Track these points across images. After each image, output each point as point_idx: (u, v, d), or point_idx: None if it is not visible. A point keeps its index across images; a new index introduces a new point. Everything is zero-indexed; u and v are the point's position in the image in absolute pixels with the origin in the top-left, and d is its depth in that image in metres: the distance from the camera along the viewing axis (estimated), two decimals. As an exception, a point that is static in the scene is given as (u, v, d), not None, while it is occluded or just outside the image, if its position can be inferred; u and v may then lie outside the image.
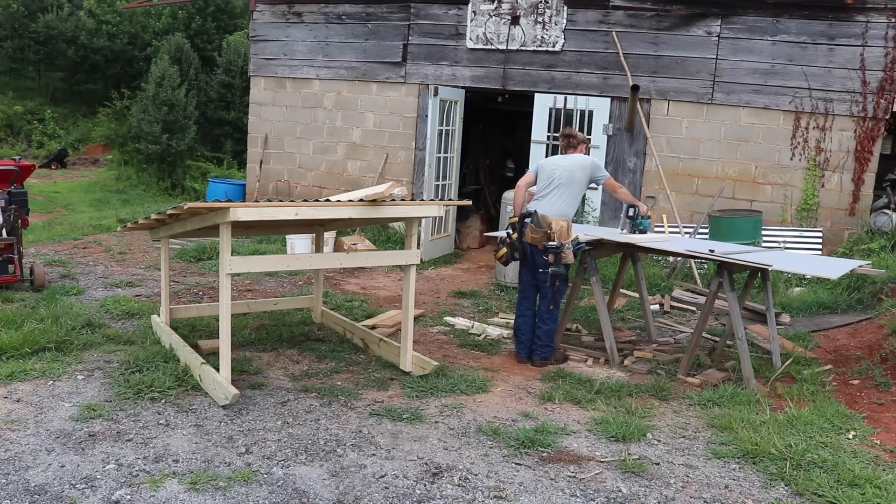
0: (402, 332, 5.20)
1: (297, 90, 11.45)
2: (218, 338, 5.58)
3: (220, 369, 4.51)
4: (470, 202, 6.15)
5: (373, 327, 6.25)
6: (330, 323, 6.31)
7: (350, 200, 4.86)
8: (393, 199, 4.83)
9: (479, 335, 6.33)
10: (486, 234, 10.51)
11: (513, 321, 6.77)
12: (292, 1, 11.27)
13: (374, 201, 4.72)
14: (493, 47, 10.01)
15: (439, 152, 9.70)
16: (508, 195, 8.34)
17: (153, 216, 5.13)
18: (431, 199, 5.33)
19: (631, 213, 6.03)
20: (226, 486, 3.47)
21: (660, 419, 4.63)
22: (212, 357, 4.98)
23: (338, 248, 9.45)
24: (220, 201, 4.30)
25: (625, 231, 6.10)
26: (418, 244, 5.88)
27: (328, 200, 4.91)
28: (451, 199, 5.48)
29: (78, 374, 4.79)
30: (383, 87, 10.76)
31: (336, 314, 6.31)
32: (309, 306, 6.59)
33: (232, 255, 4.42)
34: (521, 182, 5.81)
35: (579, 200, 5.79)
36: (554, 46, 9.69)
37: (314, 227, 6.27)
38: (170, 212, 4.76)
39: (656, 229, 8.41)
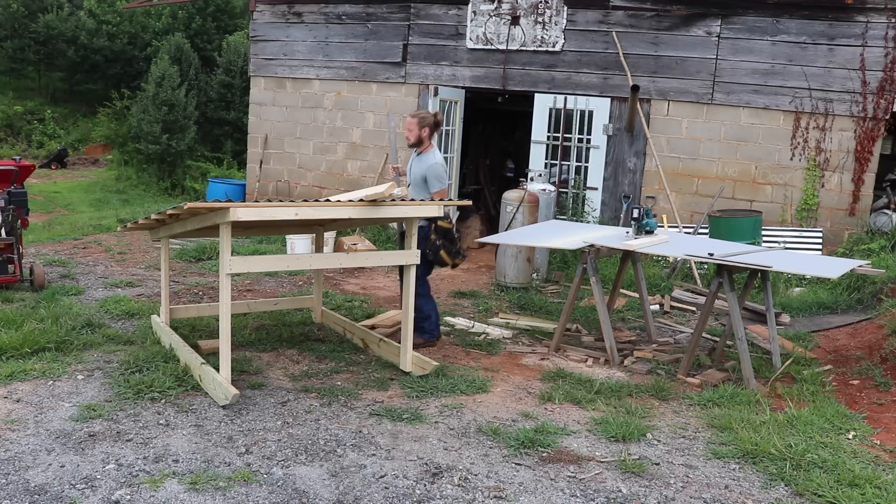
0: (402, 333, 5.20)
1: (297, 90, 11.45)
2: (218, 338, 5.59)
3: (220, 369, 4.51)
4: (470, 202, 6.16)
5: (372, 327, 6.25)
6: (330, 323, 6.31)
7: (350, 200, 4.86)
8: (393, 200, 4.83)
9: (479, 335, 6.33)
10: (476, 240, 10.33)
11: (512, 321, 6.77)
12: (292, 1, 11.27)
13: (374, 201, 4.72)
14: (493, 47, 10.01)
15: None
16: (508, 195, 8.34)
17: (153, 216, 5.13)
18: (433, 200, 5.38)
19: (636, 214, 6.04)
20: (226, 486, 3.47)
21: (660, 419, 4.63)
22: (212, 357, 4.98)
23: (338, 248, 9.45)
24: (220, 201, 4.30)
25: (630, 232, 6.10)
26: (418, 244, 5.93)
27: (328, 200, 4.92)
28: (450, 199, 5.50)
29: (78, 374, 4.79)
30: (383, 87, 10.76)
31: (336, 314, 6.31)
32: (309, 306, 6.59)
33: (232, 255, 4.42)
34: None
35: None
36: (554, 46, 9.69)
37: (314, 227, 6.27)
38: (170, 212, 4.75)
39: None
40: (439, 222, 5.62)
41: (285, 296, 7.22)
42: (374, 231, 10.27)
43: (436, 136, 6.04)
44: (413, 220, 5.15)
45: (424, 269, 5.70)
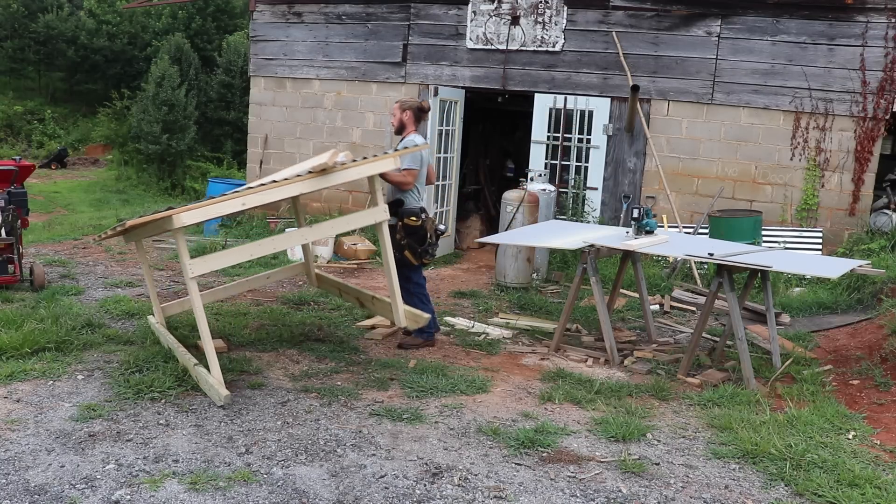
0: (390, 289, 5.14)
1: (297, 90, 11.45)
2: (217, 338, 5.61)
3: (210, 370, 4.51)
4: (427, 145, 5.87)
5: (372, 327, 6.27)
6: (326, 286, 6.29)
7: (298, 175, 4.73)
8: (343, 164, 4.73)
9: (479, 335, 6.33)
10: (476, 240, 10.29)
11: (512, 321, 6.77)
12: (292, 1, 11.27)
13: (323, 171, 4.62)
14: (493, 47, 10.01)
15: (439, 152, 9.70)
16: (508, 195, 8.34)
17: (109, 231, 5.22)
18: (385, 154, 5.10)
19: (636, 214, 6.03)
20: (226, 486, 3.47)
21: (660, 419, 4.63)
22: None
23: (338, 247, 9.46)
24: (161, 211, 4.34)
25: (630, 232, 6.11)
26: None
27: (274, 182, 4.74)
28: (396, 152, 5.13)
29: (78, 374, 4.79)
30: (383, 87, 10.75)
31: (331, 276, 6.30)
32: (302, 272, 6.50)
33: (191, 257, 4.42)
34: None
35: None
36: (554, 46, 9.68)
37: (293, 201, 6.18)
38: (119, 229, 4.80)
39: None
40: (405, 220, 5.54)
41: (285, 294, 7.23)
42: (374, 231, 10.25)
43: (422, 124, 5.93)
44: (373, 178, 5.03)
45: (406, 269, 5.64)
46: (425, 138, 9.42)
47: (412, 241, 5.56)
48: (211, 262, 4.77)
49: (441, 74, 10.32)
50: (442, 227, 5.94)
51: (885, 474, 3.88)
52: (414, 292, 5.72)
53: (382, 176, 5.31)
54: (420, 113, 5.80)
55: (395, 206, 5.60)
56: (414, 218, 5.57)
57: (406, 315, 5.18)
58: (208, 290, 6.24)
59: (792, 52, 8.73)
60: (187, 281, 4.40)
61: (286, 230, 8.96)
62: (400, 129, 5.80)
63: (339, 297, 6.17)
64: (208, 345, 4.48)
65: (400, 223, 5.51)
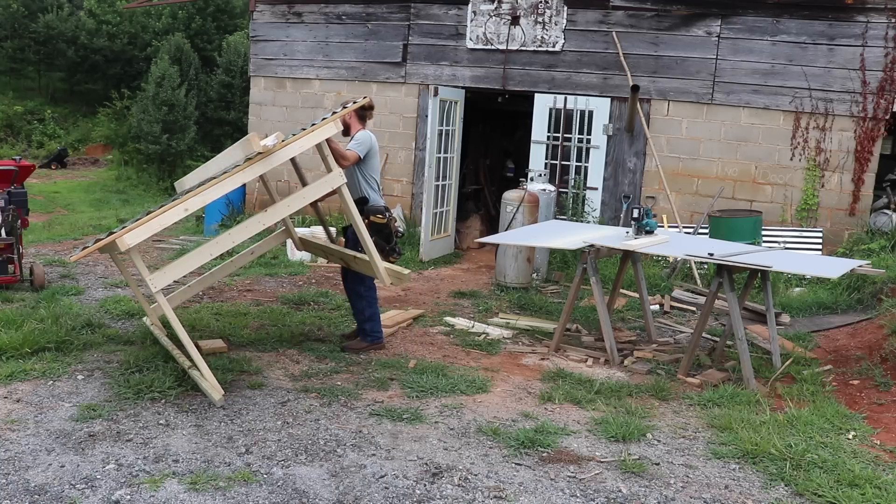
0: (365, 249, 5.13)
1: (297, 90, 11.45)
2: (216, 338, 5.62)
3: (203, 373, 4.51)
4: (369, 100, 5.87)
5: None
6: (311, 249, 6.32)
7: (236, 165, 4.67)
8: (277, 144, 4.69)
9: (479, 335, 6.33)
10: (476, 240, 10.24)
11: (512, 321, 6.77)
12: (292, 1, 11.27)
13: (259, 154, 4.57)
14: (493, 47, 10.01)
15: (439, 152, 9.70)
16: (508, 195, 8.34)
17: (76, 257, 5.24)
18: (325, 118, 4.97)
19: (636, 214, 6.03)
20: (226, 486, 3.47)
21: (660, 419, 4.63)
22: (211, 357, 4.98)
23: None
24: (103, 238, 4.35)
25: (630, 232, 6.11)
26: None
27: (213, 178, 4.67)
28: (334, 115, 5.14)
29: (78, 374, 4.79)
30: (383, 87, 10.75)
31: (315, 240, 6.31)
32: (286, 239, 6.44)
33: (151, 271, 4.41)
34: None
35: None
36: (554, 46, 9.68)
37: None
38: (77, 256, 4.84)
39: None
40: (372, 217, 5.49)
41: (285, 294, 7.23)
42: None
43: (370, 122, 5.92)
44: (320, 146, 4.98)
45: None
46: (433, 136, 9.43)
47: (378, 238, 5.48)
48: (171, 272, 4.63)
49: (441, 74, 10.32)
50: (401, 229, 5.90)
51: (885, 474, 3.88)
52: (364, 295, 5.68)
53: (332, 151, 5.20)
54: (362, 111, 5.76)
55: (361, 204, 5.58)
56: (380, 216, 5.54)
57: (388, 273, 5.14)
58: (197, 277, 6.22)
59: (792, 52, 8.72)
60: (154, 295, 4.40)
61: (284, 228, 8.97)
62: (346, 130, 5.75)
63: (325, 259, 6.31)
64: (191, 349, 4.47)
65: (366, 221, 5.47)
